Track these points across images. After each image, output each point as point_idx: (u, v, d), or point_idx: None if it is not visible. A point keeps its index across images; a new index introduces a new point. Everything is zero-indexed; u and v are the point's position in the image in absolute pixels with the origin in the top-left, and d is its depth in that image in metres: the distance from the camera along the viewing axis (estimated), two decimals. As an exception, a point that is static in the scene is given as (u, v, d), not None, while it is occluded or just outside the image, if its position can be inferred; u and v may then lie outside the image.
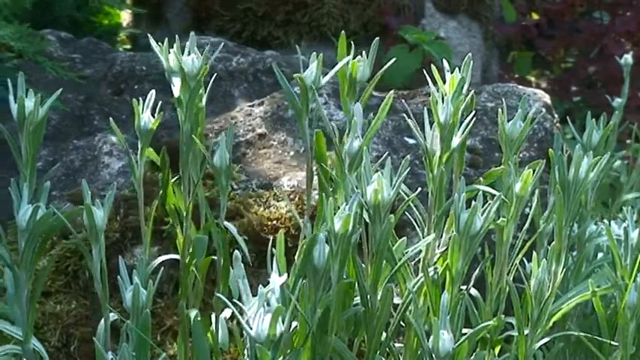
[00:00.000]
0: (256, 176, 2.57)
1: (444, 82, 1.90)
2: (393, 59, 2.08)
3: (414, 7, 4.00)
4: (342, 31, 2.00)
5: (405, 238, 1.92)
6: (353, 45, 2.01)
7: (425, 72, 1.95)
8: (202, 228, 2.03)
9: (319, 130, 1.96)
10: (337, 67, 1.95)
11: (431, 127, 1.87)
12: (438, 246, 1.91)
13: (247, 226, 2.46)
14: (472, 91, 1.93)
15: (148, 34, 2.02)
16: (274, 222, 2.46)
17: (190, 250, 2.01)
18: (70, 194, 2.53)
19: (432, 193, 1.87)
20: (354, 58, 2.00)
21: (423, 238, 1.90)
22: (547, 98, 2.86)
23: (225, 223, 2.03)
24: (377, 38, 2.00)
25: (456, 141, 1.85)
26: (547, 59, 4.83)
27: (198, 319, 1.95)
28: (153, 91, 2.00)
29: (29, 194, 1.83)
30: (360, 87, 2.01)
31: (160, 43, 1.97)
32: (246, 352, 1.68)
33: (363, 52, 1.99)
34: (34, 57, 2.71)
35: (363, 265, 1.87)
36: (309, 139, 1.93)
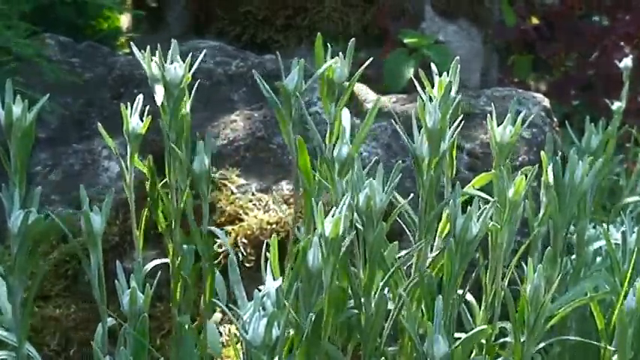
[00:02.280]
0: (256, 180, 2.57)
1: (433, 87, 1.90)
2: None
3: (414, 11, 4.00)
4: (319, 34, 2.00)
5: (396, 243, 1.92)
6: (336, 47, 2.00)
7: (419, 76, 1.95)
8: (189, 237, 2.04)
9: (299, 137, 1.95)
10: (319, 72, 1.95)
11: (419, 132, 1.87)
12: (431, 251, 1.91)
13: (247, 229, 2.46)
14: (462, 95, 1.92)
15: (131, 43, 2.02)
16: (274, 226, 2.46)
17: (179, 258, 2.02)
18: (71, 198, 2.54)
19: (422, 198, 1.86)
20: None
21: (416, 242, 1.89)
22: (546, 102, 2.86)
23: (214, 228, 2.04)
24: (353, 39, 1.99)
25: (444, 145, 1.84)
26: (547, 62, 4.82)
27: (186, 324, 1.96)
28: (141, 96, 2.00)
29: (20, 200, 1.83)
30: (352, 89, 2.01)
31: (142, 52, 1.96)
32: (241, 356, 1.68)
33: (340, 54, 1.99)
34: (33, 59, 2.71)
35: (355, 270, 1.87)
36: (294, 144, 1.93)
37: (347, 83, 1.99)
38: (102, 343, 1.91)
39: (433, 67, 1.94)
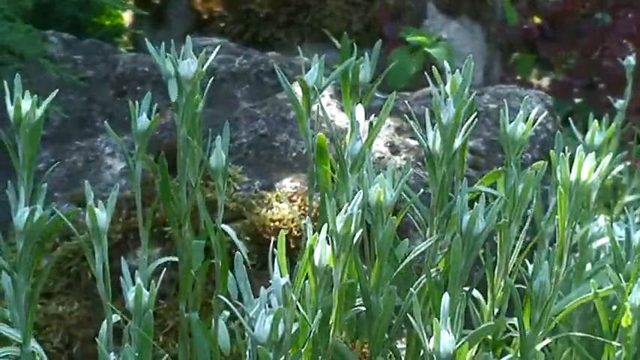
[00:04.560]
0: (259, 177, 2.57)
1: (445, 84, 1.90)
2: (396, 62, 2.08)
3: (416, 9, 4.00)
4: (345, 33, 2.00)
5: (407, 239, 1.92)
6: (355, 46, 2.01)
7: (426, 73, 1.95)
8: (201, 232, 2.03)
9: (321, 133, 1.96)
10: (339, 69, 1.95)
11: (433, 129, 1.87)
12: (440, 248, 1.91)
13: (249, 227, 2.46)
14: (474, 93, 1.92)
15: (145, 39, 2.02)
16: (277, 223, 2.46)
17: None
18: (72, 195, 2.53)
19: (434, 194, 1.87)
20: (356, 59, 2.00)
21: (426, 239, 1.89)
22: (549, 100, 2.87)
23: (224, 226, 2.03)
24: (379, 40, 2.00)
25: (458, 142, 1.85)
26: (549, 60, 4.83)
27: (197, 320, 1.96)
28: (149, 93, 2.00)
29: (27, 196, 1.83)
30: (362, 88, 2.01)
31: (156, 47, 1.96)
32: (247, 353, 1.68)
33: (366, 54, 1.99)
34: (36, 59, 2.71)
35: (365, 266, 1.87)
36: (311, 140, 1.93)
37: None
38: (107, 339, 1.90)
39: (446, 65, 1.94)
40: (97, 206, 1.84)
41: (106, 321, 1.91)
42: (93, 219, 1.83)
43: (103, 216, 1.84)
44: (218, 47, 2.32)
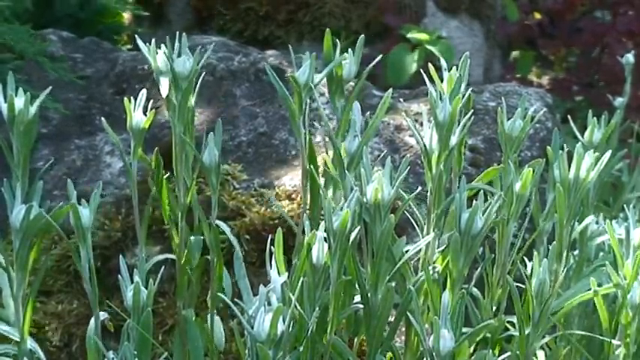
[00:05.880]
0: (258, 175, 2.57)
1: (442, 82, 1.90)
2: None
3: (416, 7, 4.00)
4: (328, 29, 2.00)
5: (404, 237, 1.92)
6: (339, 43, 2.01)
7: (424, 71, 1.95)
8: (196, 228, 2.03)
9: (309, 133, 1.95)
10: (330, 66, 1.94)
11: (430, 127, 1.87)
12: (438, 245, 1.91)
13: (249, 225, 2.46)
14: (470, 90, 1.92)
15: (136, 35, 2.02)
16: (276, 221, 2.46)
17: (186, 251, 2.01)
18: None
19: (431, 192, 1.87)
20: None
21: (423, 237, 1.89)
22: (548, 97, 2.86)
23: (219, 222, 2.03)
24: (362, 36, 1.99)
25: (454, 140, 1.85)
26: (549, 58, 4.83)
27: (193, 318, 1.96)
28: (144, 90, 1.99)
29: (22, 194, 1.83)
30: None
31: (147, 44, 1.96)
32: (247, 351, 1.68)
33: (349, 50, 1.99)
34: (35, 58, 2.71)
35: (362, 265, 1.87)
36: (304, 138, 1.93)
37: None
38: (96, 336, 1.90)
39: (443, 62, 1.94)
40: (80, 204, 1.83)
41: (93, 319, 1.90)
42: (76, 217, 1.82)
43: (86, 214, 1.83)
44: (215, 45, 2.32)
